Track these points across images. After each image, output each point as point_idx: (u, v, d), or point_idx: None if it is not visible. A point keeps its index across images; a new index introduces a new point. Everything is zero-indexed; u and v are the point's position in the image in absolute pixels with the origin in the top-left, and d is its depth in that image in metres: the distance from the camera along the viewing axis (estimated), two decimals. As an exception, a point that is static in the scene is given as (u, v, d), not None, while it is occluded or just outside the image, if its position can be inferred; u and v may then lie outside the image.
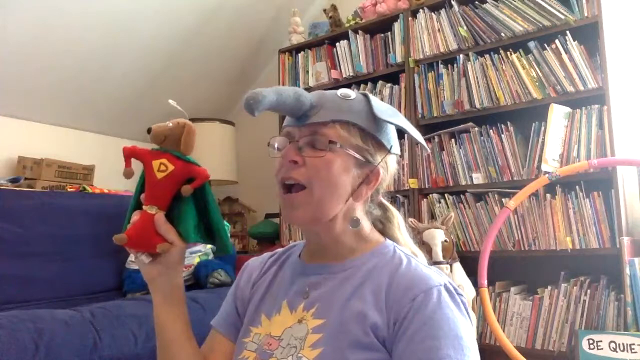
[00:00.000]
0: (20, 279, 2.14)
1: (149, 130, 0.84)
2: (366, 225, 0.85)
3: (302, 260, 0.89)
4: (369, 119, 0.80)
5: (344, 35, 2.93)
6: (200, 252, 2.47)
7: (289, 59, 3.19)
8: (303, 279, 0.84)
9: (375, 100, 0.82)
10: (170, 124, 0.85)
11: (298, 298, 0.82)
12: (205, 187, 0.86)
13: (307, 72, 3.08)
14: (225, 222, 0.91)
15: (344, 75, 2.91)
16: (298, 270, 0.87)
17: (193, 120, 3.87)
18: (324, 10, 3.12)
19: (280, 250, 0.96)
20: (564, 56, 2.19)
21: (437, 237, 2.20)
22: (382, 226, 0.90)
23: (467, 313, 0.76)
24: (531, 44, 2.28)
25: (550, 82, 2.24)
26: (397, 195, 2.62)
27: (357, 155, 0.80)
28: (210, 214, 0.87)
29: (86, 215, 2.43)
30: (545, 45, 2.25)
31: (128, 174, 0.82)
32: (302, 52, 3.12)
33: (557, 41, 2.22)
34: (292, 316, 0.81)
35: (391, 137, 0.85)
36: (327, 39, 3.03)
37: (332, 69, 2.96)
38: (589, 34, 2.17)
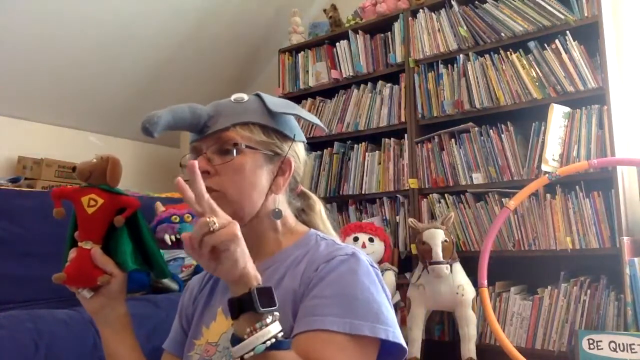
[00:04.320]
0: (20, 279, 2.13)
1: (73, 169, 0.87)
2: (290, 217, 0.88)
3: None
4: (265, 115, 0.83)
5: (344, 35, 2.92)
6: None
7: (289, 59, 3.19)
8: None
9: (267, 97, 0.85)
10: (95, 160, 0.87)
11: None
12: (137, 216, 0.88)
13: (307, 72, 3.08)
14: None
15: (344, 75, 2.91)
16: None
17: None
18: (324, 10, 3.12)
19: None
20: (564, 56, 2.19)
21: (437, 237, 2.19)
22: (306, 216, 0.93)
23: (378, 279, 0.77)
24: (531, 44, 2.28)
25: (550, 82, 2.23)
26: (397, 195, 2.61)
27: (265, 151, 0.83)
28: (145, 241, 0.89)
29: (86, 215, 2.42)
30: (545, 45, 2.25)
31: (58, 214, 0.86)
32: (302, 52, 3.12)
33: (557, 41, 2.22)
34: (227, 321, 0.81)
35: (293, 127, 0.88)
36: (327, 39, 3.03)
37: (332, 69, 2.96)
38: (589, 34, 2.17)
